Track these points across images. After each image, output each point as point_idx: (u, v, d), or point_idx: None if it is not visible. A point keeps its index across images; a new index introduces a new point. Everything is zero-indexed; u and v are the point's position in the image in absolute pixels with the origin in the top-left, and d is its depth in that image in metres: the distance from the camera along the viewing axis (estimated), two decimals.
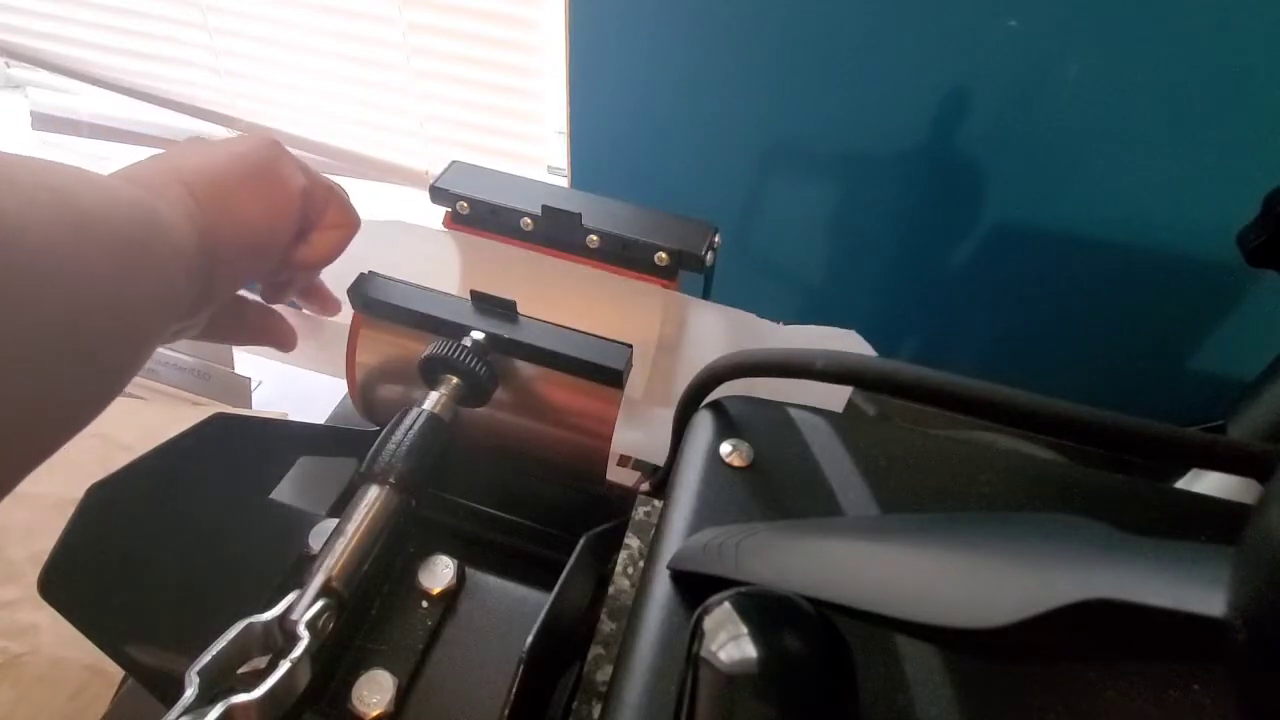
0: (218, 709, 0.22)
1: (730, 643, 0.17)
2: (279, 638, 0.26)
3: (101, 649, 0.27)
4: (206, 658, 0.23)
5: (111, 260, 0.24)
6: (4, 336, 0.20)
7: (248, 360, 0.75)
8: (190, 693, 0.22)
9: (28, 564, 0.57)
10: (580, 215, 0.40)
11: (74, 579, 0.26)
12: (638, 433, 0.37)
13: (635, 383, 0.40)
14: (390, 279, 0.37)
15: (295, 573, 0.29)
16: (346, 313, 0.38)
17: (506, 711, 0.24)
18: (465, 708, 0.27)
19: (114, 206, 0.25)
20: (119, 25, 0.97)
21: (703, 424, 0.27)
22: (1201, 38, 0.59)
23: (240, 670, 0.25)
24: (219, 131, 1.04)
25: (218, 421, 0.31)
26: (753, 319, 0.40)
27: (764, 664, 0.17)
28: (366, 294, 0.36)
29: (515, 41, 0.83)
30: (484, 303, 0.36)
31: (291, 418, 0.73)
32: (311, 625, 0.25)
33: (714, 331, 0.41)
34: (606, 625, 0.27)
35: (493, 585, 0.31)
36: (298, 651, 0.24)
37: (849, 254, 0.84)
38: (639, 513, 0.30)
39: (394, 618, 0.29)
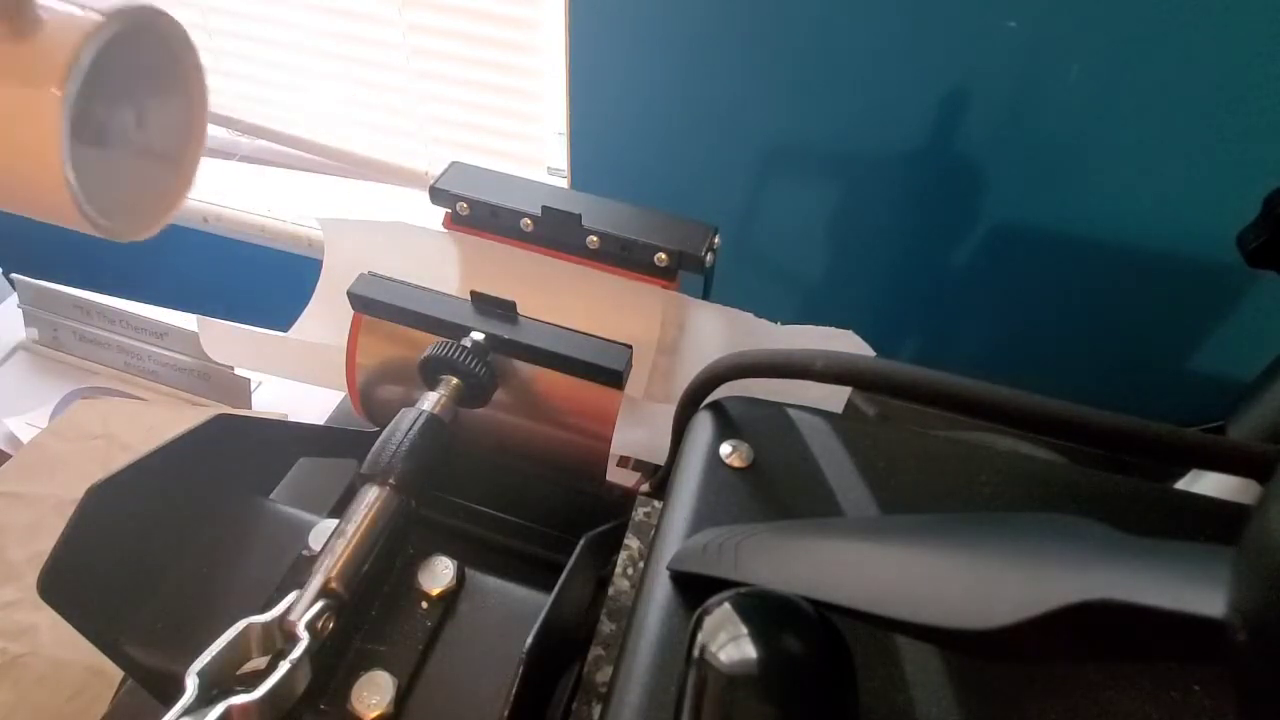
0: (217, 709, 0.22)
1: (730, 643, 0.17)
2: (279, 638, 0.26)
3: (101, 649, 0.27)
4: (206, 658, 0.23)
5: None
6: None
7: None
8: (190, 693, 0.22)
9: (27, 565, 0.57)
10: (580, 216, 0.40)
11: (74, 580, 0.26)
12: (638, 432, 0.37)
13: (635, 383, 0.40)
14: (390, 280, 0.37)
15: (295, 573, 0.29)
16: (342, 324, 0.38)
17: (506, 712, 0.24)
18: (465, 709, 0.27)
19: None
20: None
21: (702, 425, 0.27)
22: (1202, 39, 0.59)
23: (240, 671, 0.25)
24: (219, 132, 1.04)
25: (218, 422, 0.31)
26: (751, 318, 0.40)
27: (764, 664, 0.17)
28: (366, 295, 0.36)
29: (515, 42, 0.83)
30: (484, 303, 0.36)
31: (291, 418, 0.73)
32: (311, 626, 0.25)
33: (713, 331, 0.41)
34: (606, 626, 0.27)
35: (492, 586, 0.31)
36: (297, 652, 0.24)
37: (849, 255, 0.84)
38: (639, 513, 0.30)
39: (394, 619, 0.29)
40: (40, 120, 0.27)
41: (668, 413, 0.30)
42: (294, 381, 0.43)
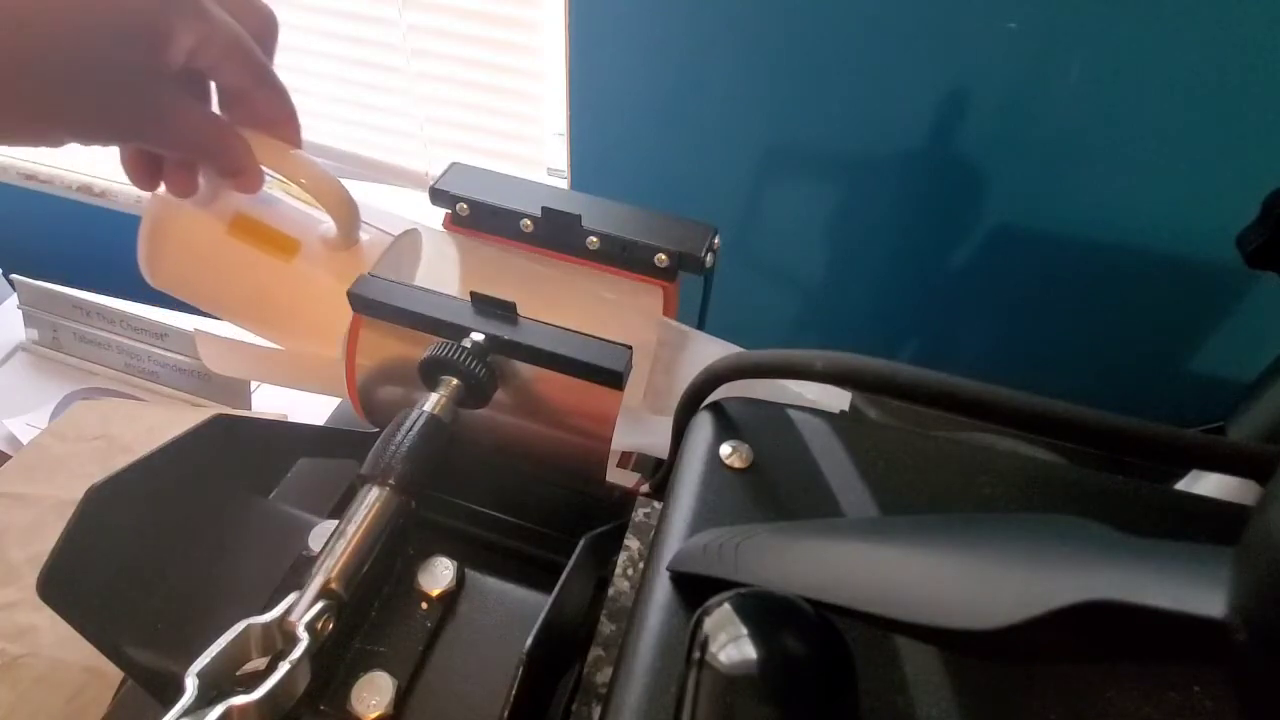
0: (217, 710, 0.22)
1: (730, 644, 0.17)
2: (278, 639, 0.26)
3: (100, 650, 0.27)
4: (206, 659, 0.23)
5: None
6: None
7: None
8: (189, 694, 0.22)
9: (27, 565, 0.57)
10: (580, 217, 0.40)
11: (73, 580, 0.26)
12: (635, 439, 0.37)
13: (635, 385, 0.40)
14: (390, 280, 0.37)
15: (295, 574, 0.29)
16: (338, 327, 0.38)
17: (506, 713, 0.24)
18: (465, 710, 0.27)
19: None
20: None
21: (702, 425, 0.27)
22: (1201, 40, 0.59)
23: (239, 672, 0.25)
24: None
25: (218, 423, 0.31)
26: (733, 348, 0.40)
27: (764, 665, 0.17)
28: (366, 295, 0.36)
29: (515, 43, 0.83)
30: (484, 304, 0.36)
31: (291, 418, 0.73)
32: (311, 627, 0.25)
33: (704, 359, 0.41)
34: (606, 627, 0.27)
35: (492, 587, 0.31)
36: (297, 653, 0.24)
37: (849, 255, 0.84)
38: (639, 514, 0.30)
39: (393, 619, 0.29)
40: (341, 305, 0.37)
41: (665, 424, 0.30)
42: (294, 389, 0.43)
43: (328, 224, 0.38)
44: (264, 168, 0.35)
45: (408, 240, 0.41)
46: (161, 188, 0.35)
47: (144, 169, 0.34)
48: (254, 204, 0.38)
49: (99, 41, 0.27)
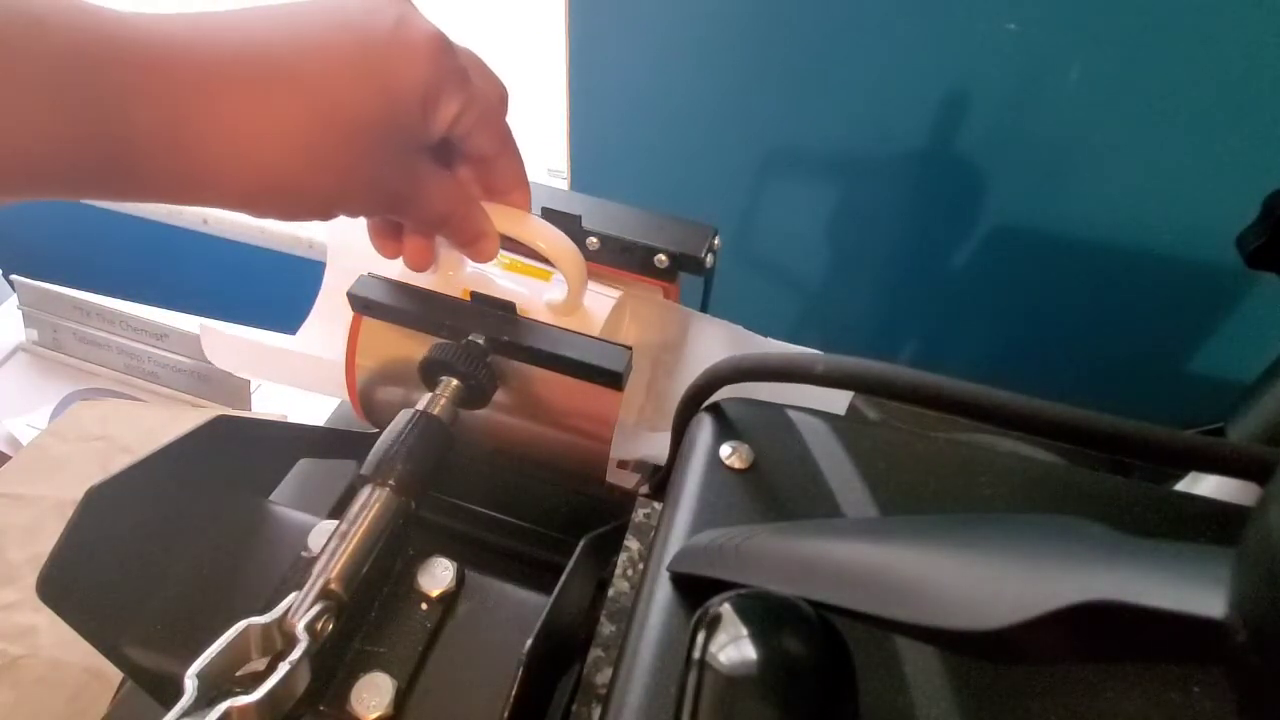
0: (216, 711, 0.22)
1: (730, 645, 0.17)
2: (278, 640, 0.26)
3: (100, 651, 0.27)
4: (205, 660, 0.23)
5: None
6: None
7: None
8: (189, 695, 0.22)
9: (27, 566, 0.57)
10: (580, 217, 0.40)
11: (73, 581, 0.26)
12: (634, 449, 0.37)
13: (634, 389, 0.40)
14: (390, 280, 0.37)
15: (294, 575, 0.29)
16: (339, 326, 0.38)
17: (506, 714, 0.24)
18: (464, 711, 0.27)
19: None
20: None
21: (703, 426, 0.27)
22: (1202, 40, 0.59)
23: (239, 672, 0.25)
24: None
25: (218, 423, 0.31)
26: (741, 331, 0.40)
27: (764, 666, 0.17)
28: (366, 295, 0.36)
29: (514, 43, 0.83)
30: (484, 304, 0.36)
31: (291, 419, 0.73)
32: (310, 627, 0.25)
33: (708, 344, 0.41)
34: (606, 627, 0.27)
35: (492, 588, 0.31)
36: (296, 654, 0.24)
37: (849, 257, 0.84)
38: (639, 515, 0.30)
39: (393, 620, 0.29)
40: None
41: (662, 439, 0.30)
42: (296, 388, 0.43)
43: (550, 292, 0.38)
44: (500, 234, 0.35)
45: (629, 302, 0.41)
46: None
47: (389, 237, 0.34)
48: (478, 278, 0.38)
49: (385, 115, 0.27)
